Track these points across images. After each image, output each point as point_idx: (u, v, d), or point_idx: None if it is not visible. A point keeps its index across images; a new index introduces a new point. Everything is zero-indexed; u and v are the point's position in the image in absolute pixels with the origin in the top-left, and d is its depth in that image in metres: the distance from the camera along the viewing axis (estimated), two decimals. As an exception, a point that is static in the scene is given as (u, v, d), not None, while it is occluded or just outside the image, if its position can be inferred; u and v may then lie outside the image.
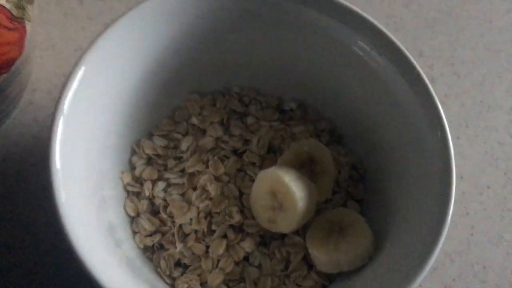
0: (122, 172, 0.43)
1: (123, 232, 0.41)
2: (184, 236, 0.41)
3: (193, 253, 0.40)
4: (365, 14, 0.40)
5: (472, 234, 0.48)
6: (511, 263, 0.47)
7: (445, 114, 0.53)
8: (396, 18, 0.57)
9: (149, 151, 0.44)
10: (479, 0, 0.59)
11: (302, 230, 0.41)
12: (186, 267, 0.41)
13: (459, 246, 0.48)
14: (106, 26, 0.39)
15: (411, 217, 0.39)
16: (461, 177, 0.51)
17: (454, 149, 0.51)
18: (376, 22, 0.40)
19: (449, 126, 0.52)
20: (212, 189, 0.41)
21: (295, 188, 0.38)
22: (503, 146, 0.52)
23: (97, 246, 0.35)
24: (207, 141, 0.44)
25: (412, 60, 0.39)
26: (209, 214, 0.41)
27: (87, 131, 0.38)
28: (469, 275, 0.47)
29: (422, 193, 0.39)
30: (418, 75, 0.39)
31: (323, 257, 0.39)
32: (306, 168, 0.42)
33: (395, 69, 0.40)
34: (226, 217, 0.40)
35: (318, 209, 0.42)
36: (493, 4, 0.60)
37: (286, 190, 0.38)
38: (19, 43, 0.39)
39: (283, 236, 0.41)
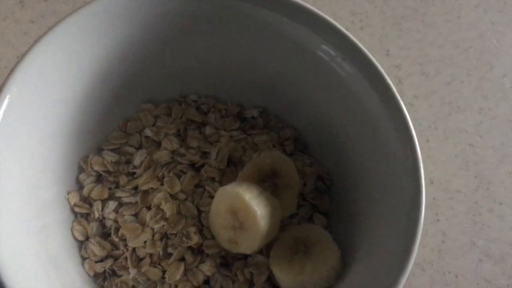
0: (69, 193, 0.39)
1: (70, 259, 0.37)
2: (138, 261, 0.38)
3: (148, 279, 0.37)
4: (327, 17, 0.37)
5: (443, 242, 0.47)
6: (484, 271, 0.46)
7: (414, 116, 0.51)
8: (362, 15, 0.55)
9: (98, 168, 0.40)
10: (446, -5, 0.58)
11: (266, 248, 0.39)
12: (140, 294, 0.38)
13: (430, 255, 0.46)
14: (42, 33, 0.35)
15: (380, 229, 0.37)
16: (431, 182, 0.49)
17: (424, 152, 0.50)
18: (340, 26, 0.37)
19: (418, 129, 0.51)
20: (168, 208, 0.38)
21: (256, 206, 0.35)
22: (473, 148, 0.50)
23: (34, 280, 0.31)
24: (162, 155, 0.41)
25: (379, 66, 0.36)
26: (165, 236, 0.38)
27: (23, 155, 0.34)
28: (441, 285, 0.45)
29: (391, 203, 0.37)
30: (384, 81, 0.36)
31: (288, 278, 0.36)
32: (269, 182, 0.39)
33: (361, 75, 0.38)
34: (184, 238, 0.37)
35: (283, 224, 0.39)
36: (461, -1, 0.58)
37: (247, 208, 0.35)
38: None
39: (246, 255, 0.39)
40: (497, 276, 0.46)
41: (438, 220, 0.48)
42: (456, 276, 0.46)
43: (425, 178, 0.48)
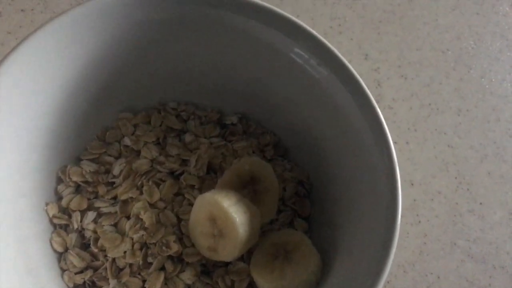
0: (47, 204, 0.39)
1: (49, 271, 0.37)
2: (118, 271, 0.38)
3: (129, 289, 0.37)
4: (299, 21, 0.37)
5: (425, 243, 0.47)
6: (465, 271, 0.46)
7: (393, 119, 0.51)
8: (340, 20, 0.55)
9: (77, 178, 0.40)
10: (424, -2, 0.58)
11: (247, 255, 0.39)
12: (121, 305, 0.37)
13: (411, 256, 0.46)
14: (18, 43, 0.35)
15: (359, 232, 0.37)
16: (412, 184, 0.49)
17: (403, 154, 0.50)
18: (312, 30, 0.37)
19: (397, 131, 0.51)
20: (147, 217, 0.38)
21: (234, 213, 0.35)
22: (452, 149, 0.51)
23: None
24: (142, 164, 0.41)
25: (352, 69, 0.36)
26: (144, 245, 0.38)
27: (0, 166, 0.34)
28: (423, 286, 0.46)
29: (369, 206, 0.37)
30: (357, 84, 0.37)
31: (268, 285, 0.36)
32: (248, 188, 0.39)
33: (335, 77, 0.38)
34: (163, 247, 0.37)
35: (263, 230, 0.40)
36: (439, 2, 0.58)
37: (226, 215, 0.35)
38: None
39: (226, 262, 0.39)
40: (478, 276, 0.46)
41: (419, 222, 0.48)
42: (438, 277, 0.46)
43: (405, 180, 0.49)
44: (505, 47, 0.56)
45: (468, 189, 0.49)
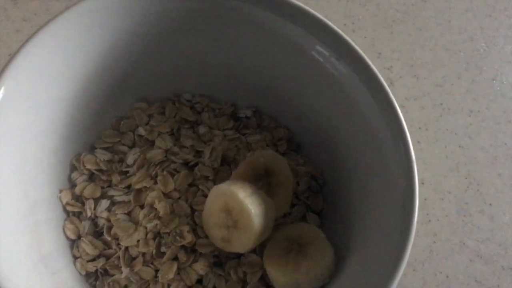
0: (61, 191, 0.39)
1: (61, 258, 0.37)
2: (131, 260, 0.38)
3: (141, 278, 0.37)
4: (324, 19, 0.37)
5: (434, 242, 0.47)
6: (475, 271, 0.46)
7: (405, 118, 0.51)
8: (354, 18, 0.55)
9: (90, 166, 0.40)
10: (437, -1, 0.58)
11: (260, 248, 0.39)
12: (133, 294, 0.37)
13: (421, 255, 0.46)
14: (35, 31, 0.35)
15: (373, 229, 0.37)
16: (422, 183, 0.49)
17: (415, 154, 0.50)
18: (335, 27, 0.37)
19: (409, 130, 0.51)
20: (161, 207, 0.38)
21: (250, 204, 0.35)
22: (463, 149, 0.51)
23: (26, 279, 0.31)
24: (156, 154, 0.41)
25: (373, 67, 0.36)
26: (158, 235, 0.38)
27: (15, 153, 0.34)
28: (433, 285, 0.46)
29: (384, 202, 0.37)
30: (378, 82, 0.37)
31: (282, 278, 0.36)
32: (262, 181, 0.39)
33: (355, 76, 0.38)
34: (177, 237, 0.37)
35: (276, 224, 0.39)
36: (452, 3, 0.58)
37: (241, 207, 0.35)
38: None
39: (239, 254, 0.39)
40: (487, 276, 0.46)
41: (429, 221, 0.48)
42: (447, 276, 0.46)
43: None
44: (516, 50, 0.57)
45: (478, 190, 0.50)
